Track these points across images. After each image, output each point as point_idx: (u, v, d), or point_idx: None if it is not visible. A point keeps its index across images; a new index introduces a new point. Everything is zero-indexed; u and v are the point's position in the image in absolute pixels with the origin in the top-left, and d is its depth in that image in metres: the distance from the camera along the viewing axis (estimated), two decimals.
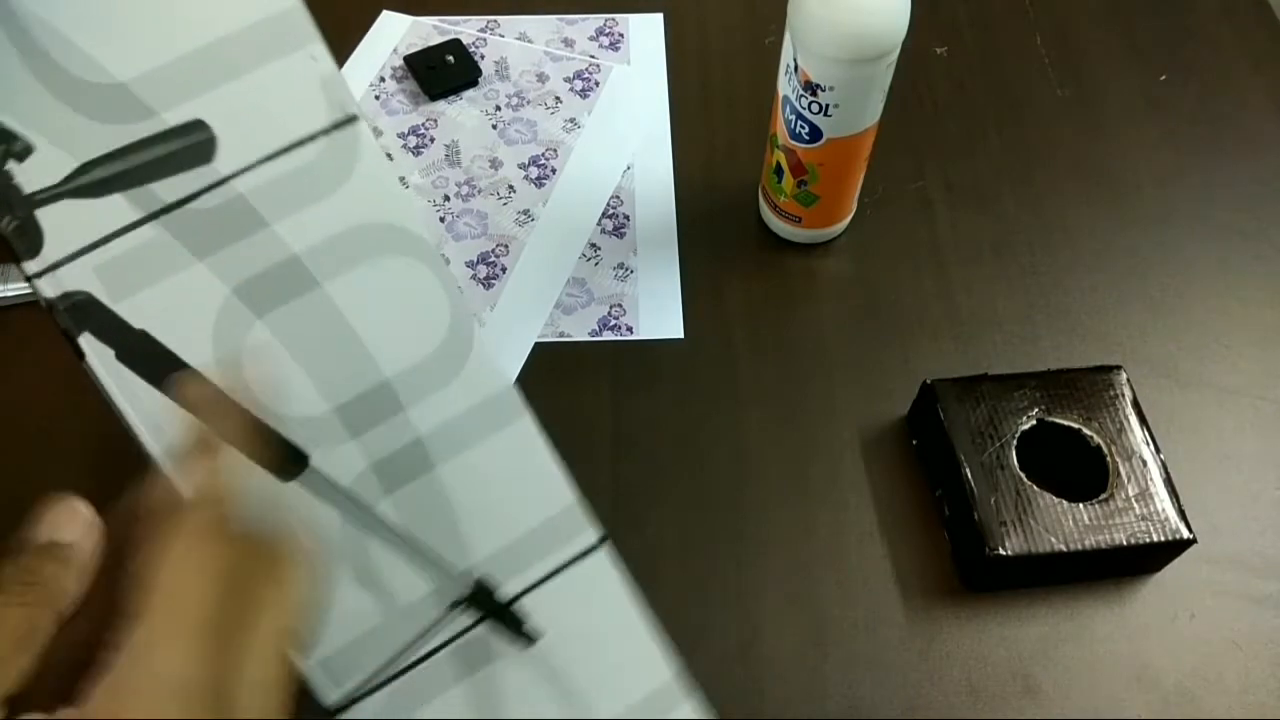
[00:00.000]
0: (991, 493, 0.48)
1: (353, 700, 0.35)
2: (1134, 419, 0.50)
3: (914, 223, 0.63)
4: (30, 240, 0.30)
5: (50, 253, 0.30)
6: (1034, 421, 0.50)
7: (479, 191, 0.64)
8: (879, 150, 0.57)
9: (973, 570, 0.48)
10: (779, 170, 0.58)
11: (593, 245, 0.62)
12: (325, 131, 0.31)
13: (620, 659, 0.36)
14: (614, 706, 0.36)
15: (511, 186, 0.64)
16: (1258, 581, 0.50)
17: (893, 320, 0.59)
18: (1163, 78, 0.71)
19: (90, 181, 0.30)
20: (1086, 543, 0.46)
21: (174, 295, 0.31)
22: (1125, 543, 0.46)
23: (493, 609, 0.35)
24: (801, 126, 0.53)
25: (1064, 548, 0.46)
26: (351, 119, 0.32)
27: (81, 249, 0.30)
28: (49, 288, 0.30)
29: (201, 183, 0.30)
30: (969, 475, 0.48)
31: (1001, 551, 0.46)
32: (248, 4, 0.30)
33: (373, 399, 0.32)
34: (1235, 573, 0.50)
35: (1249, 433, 0.55)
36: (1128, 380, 0.52)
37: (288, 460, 0.33)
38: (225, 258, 0.31)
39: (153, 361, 0.31)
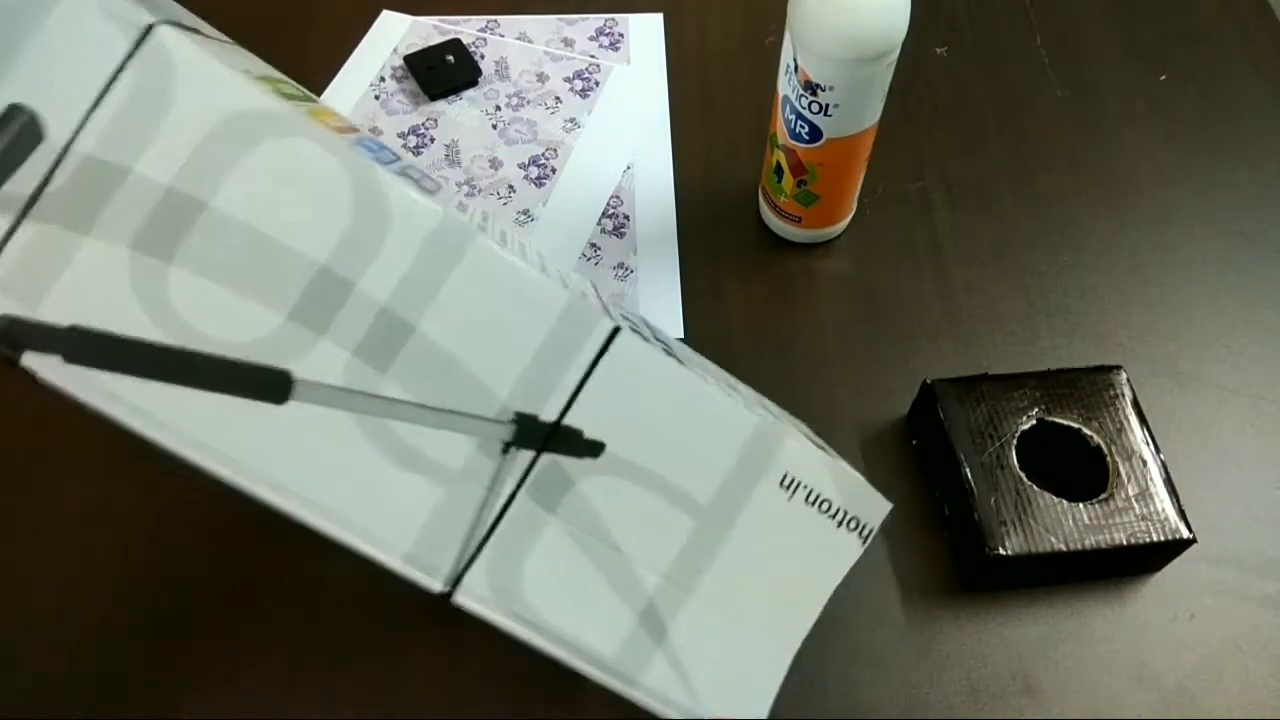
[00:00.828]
0: (991, 493, 0.48)
1: (458, 577, 0.34)
2: (1134, 419, 0.50)
3: (914, 223, 0.63)
4: None
5: None
6: (1034, 421, 0.50)
7: (479, 191, 0.64)
8: (879, 150, 0.58)
9: (973, 570, 0.48)
10: (779, 170, 0.58)
11: (593, 245, 0.62)
12: (130, 55, 0.29)
13: (698, 423, 0.34)
14: (720, 468, 0.34)
15: (511, 186, 0.64)
16: (1258, 581, 0.50)
17: (893, 320, 0.59)
18: (1163, 78, 0.71)
19: None
20: (1086, 543, 0.46)
21: (81, 279, 0.30)
22: (1125, 542, 0.46)
23: (545, 434, 0.33)
24: (801, 126, 0.53)
25: (1064, 548, 0.46)
26: (147, 30, 0.29)
27: None
28: None
29: (47, 163, 0.30)
30: (969, 475, 0.48)
31: (1001, 551, 0.46)
32: None
33: (318, 290, 0.31)
34: (1235, 573, 0.50)
35: (1249, 433, 0.55)
36: (1128, 380, 0.52)
37: (271, 384, 0.32)
38: (107, 221, 0.30)
39: (100, 351, 0.31)
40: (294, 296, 0.31)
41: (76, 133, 0.30)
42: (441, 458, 0.33)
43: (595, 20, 0.74)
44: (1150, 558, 0.49)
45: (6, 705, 0.45)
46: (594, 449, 0.34)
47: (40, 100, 0.29)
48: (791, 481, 0.35)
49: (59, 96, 0.29)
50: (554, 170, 0.65)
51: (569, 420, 0.33)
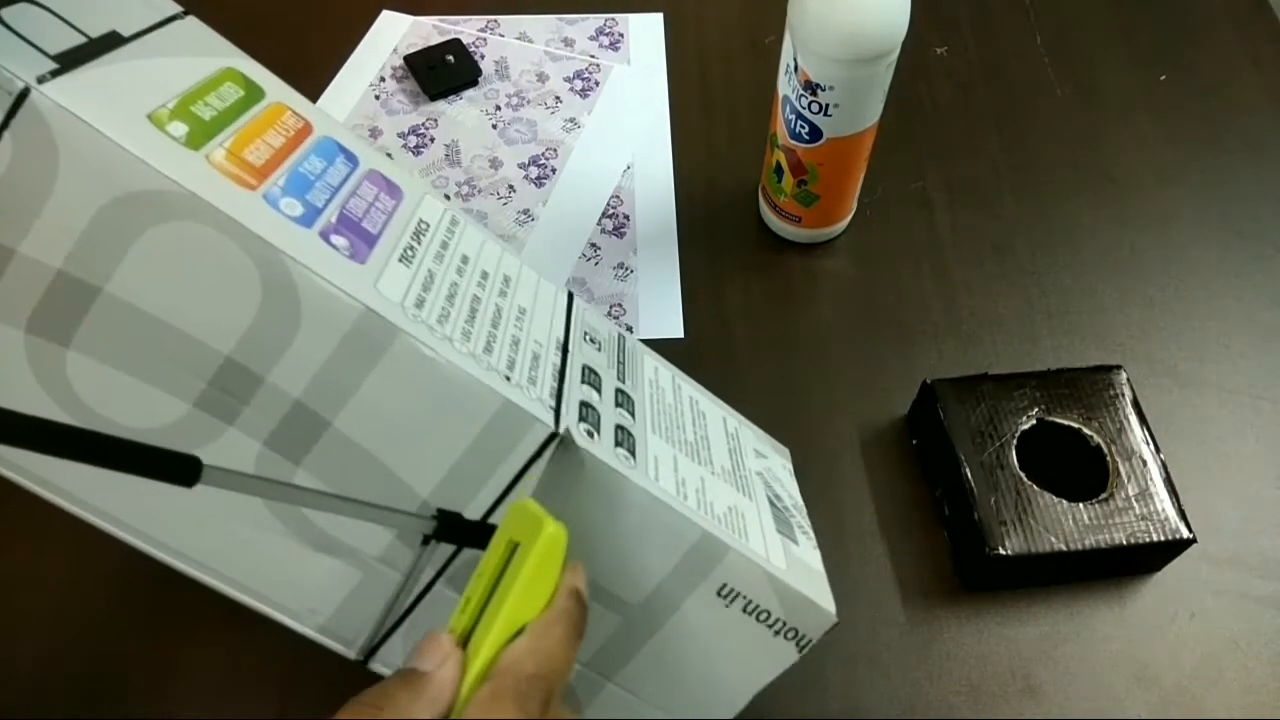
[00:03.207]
0: (991, 492, 0.48)
1: (374, 648, 0.35)
2: (1134, 419, 0.50)
3: (914, 223, 0.63)
4: None
5: None
6: (1034, 421, 0.50)
7: (479, 191, 0.64)
8: (879, 150, 0.57)
9: (973, 570, 0.48)
10: (779, 170, 0.58)
11: (593, 245, 0.62)
12: (3, 125, 0.26)
13: (638, 530, 0.33)
14: (656, 573, 0.34)
15: (511, 186, 0.64)
16: (1258, 581, 0.50)
17: (893, 320, 0.59)
18: (1163, 78, 0.71)
19: None
20: (1086, 542, 0.46)
21: None
22: (1125, 542, 0.46)
23: (467, 531, 0.32)
24: (801, 126, 0.53)
25: (1064, 547, 0.46)
26: (23, 95, 0.25)
27: None
28: None
29: None
30: (969, 475, 0.48)
31: (1001, 551, 0.46)
32: None
33: (225, 381, 0.30)
34: (1235, 573, 0.50)
35: (1249, 433, 0.55)
36: (1128, 380, 0.52)
37: (179, 467, 0.31)
38: None
39: (2, 427, 0.30)
40: (199, 386, 0.30)
41: None
42: (358, 544, 0.33)
43: (595, 20, 0.74)
44: (1150, 558, 0.49)
45: (6, 705, 0.45)
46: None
47: None
48: (730, 591, 0.34)
49: None
50: (554, 170, 0.65)
51: (495, 519, 0.32)
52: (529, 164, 0.65)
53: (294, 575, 0.33)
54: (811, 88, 0.51)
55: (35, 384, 0.30)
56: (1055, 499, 0.47)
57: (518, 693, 0.27)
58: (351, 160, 0.34)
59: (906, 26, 0.49)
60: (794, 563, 0.36)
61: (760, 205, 0.63)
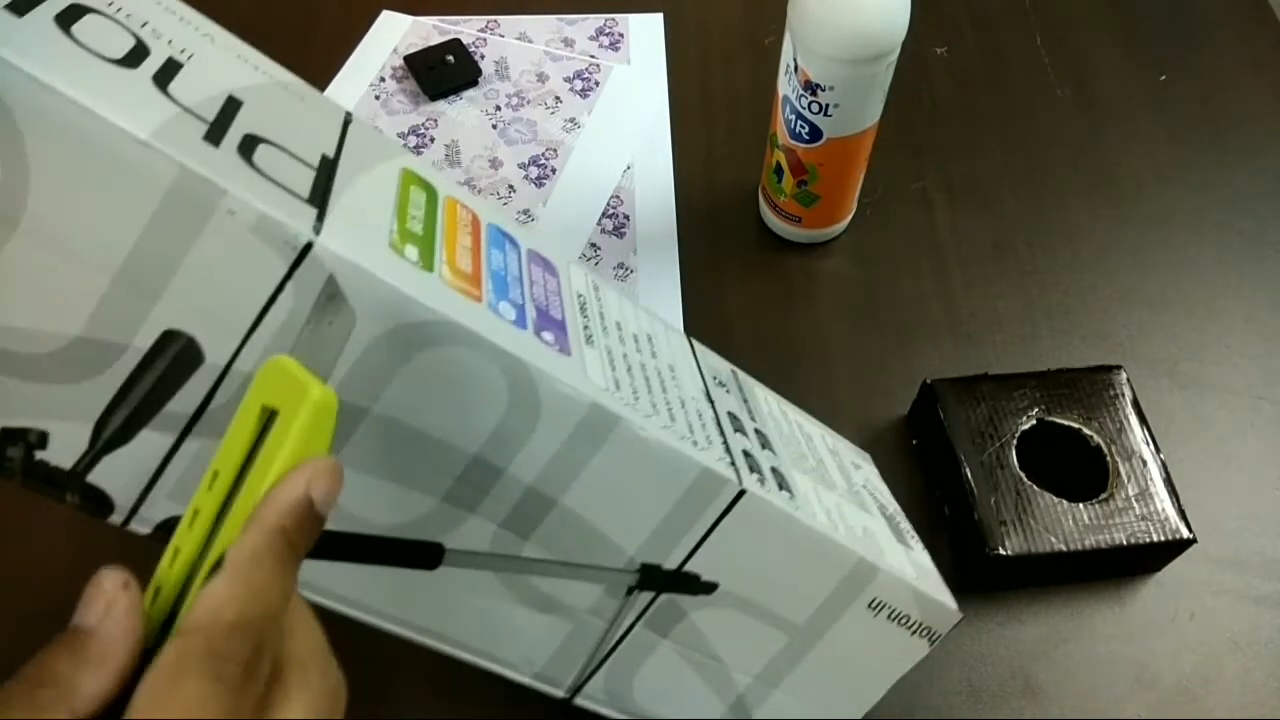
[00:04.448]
0: (991, 493, 0.48)
1: (579, 687, 0.38)
2: (1134, 419, 0.50)
3: (914, 223, 0.63)
4: (98, 504, 0.31)
5: (122, 503, 0.31)
6: (1034, 421, 0.50)
7: (479, 191, 0.64)
8: (879, 150, 0.57)
9: (973, 570, 0.48)
10: (779, 170, 0.58)
11: (593, 245, 0.62)
12: (287, 277, 0.28)
13: (804, 560, 0.37)
14: (819, 596, 0.38)
15: (511, 186, 0.64)
16: (1258, 581, 0.50)
17: (893, 320, 0.59)
18: (1163, 78, 0.71)
19: (113, 434, 0.29)
20: (1086, 543, 0.46)
21: None
22: (1125, 543, 0.46)
23: (665, 579, 0.36)
24: (801, 126, 0.53)
25: (1064, 548, 0.46)
26: (306, 249, 0.27)
27: (144, 489, 0.31)
28: (141, 528, 0.31)
29: (207, 382, 0.29)
30: (969, 475, 0.48)
31: (1001, 551, 0.46)
32: (138, 199, 0.26)
33: (471, 477, 0.32)
34: (1235, 573, 0.50)
35: (1249, 433, 0.55)
36: (1128, 380, 0.52)
37: (424, 555, 0.34)
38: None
39: None
40: (448, 483, 0.32)
41: (236, 354, 0.29)
42: (572, 601, 0.36)
43: (595, 20, 0.74)
44: (1150, 558, 0.49)
45: None
46: (709, 588, 0.36)
47: (195, 323, 0.28)
48: (879, 604, 0.39)
49: (215, 318, 0.28)
50: (554, 170, 0.65)
51: (689, 567, 0.36)
52: (529, 164, 0.65)
53: (516, 633, 0.37)
54: (811, 88, 0.51)
55: None
56: (1055, 499, 0.47)
57: (212, 654, 0.22)
58: (513, 244, 0.36)
59: (906, 26, 0.49)
60: (918, 568, 0.40)
61: (760, 205, 0.63)
